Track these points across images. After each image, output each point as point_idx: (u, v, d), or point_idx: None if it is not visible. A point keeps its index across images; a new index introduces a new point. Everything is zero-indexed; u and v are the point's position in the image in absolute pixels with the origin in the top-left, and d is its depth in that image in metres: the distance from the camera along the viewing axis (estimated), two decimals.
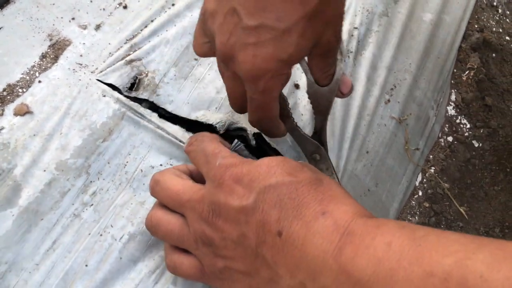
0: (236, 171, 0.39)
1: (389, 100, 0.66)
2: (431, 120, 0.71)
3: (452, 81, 0.77)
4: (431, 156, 0.70)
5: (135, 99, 0.54)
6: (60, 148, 0.50)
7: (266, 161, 0.39)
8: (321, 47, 0.40)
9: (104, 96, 0.53)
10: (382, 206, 0.62)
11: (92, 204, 0.48)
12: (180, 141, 0.52)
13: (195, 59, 0.59)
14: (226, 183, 0.39)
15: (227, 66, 0.41)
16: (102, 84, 0.54)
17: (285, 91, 0.58)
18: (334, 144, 0.59)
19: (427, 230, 0.33)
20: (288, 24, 0.36)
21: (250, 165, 0.39)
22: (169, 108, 0.55)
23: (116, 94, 0.53)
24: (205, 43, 0.43)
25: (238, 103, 0.45)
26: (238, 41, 0.38)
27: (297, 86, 0.60)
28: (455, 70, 0.78)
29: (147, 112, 0.53)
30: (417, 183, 0.67)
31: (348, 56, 0.66)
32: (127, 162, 0.51)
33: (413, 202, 0.66)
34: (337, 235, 0.34)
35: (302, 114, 0.59)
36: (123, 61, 0.56)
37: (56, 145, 0.50)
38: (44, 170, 0.48)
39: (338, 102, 0.62)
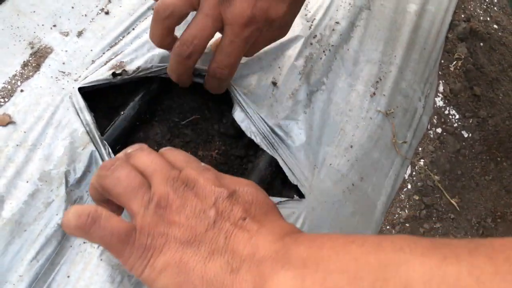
0: (219, 173, 0.42)
1: (374, 93, 0.66)
2: (418, 112, 0.70)
3: (440, 72, 0.77)
4: (420, 149, 0.70)
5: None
6: (43, 158, 0.50)
7: (245, 179, 0.42)
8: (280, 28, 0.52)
9: (78, 115, 0.53)
10: (368, 200, 0.62)
11: None
12: None
13: None
14: (207, 174, 0.40)
15: (218, 5, 0.46)
16: (81, 100, 0.54)
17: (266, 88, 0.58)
18: (312, 139, 0.59)
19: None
20: None
21: (233, 177, 0.42)
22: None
23: (87, 115, 0.53)
24: None
25: (196, 43, 0.49)
26: None
27: (274, 84, 0.60)
28: (442, 61, 0.78)
29: (106, 152, 0.52)
30: (406, 176, 0.67)
31: (329, 50, 0.66)
32: None
33: (402, 196, 0.66)
34: (285, 234, 0.36)
35: None
36: (106, 67, 0.56)
37: (40, 155, 0.50)
38: (27, 181, 0.49)
39: (317, 98, 0.62)
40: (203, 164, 0.43)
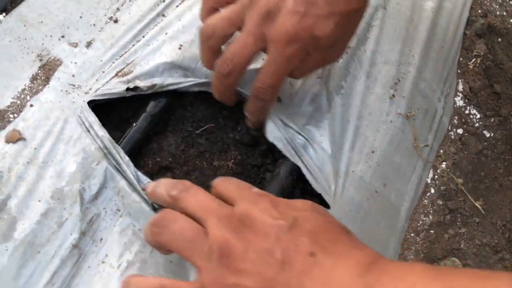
0: (272, 198, 0.41)
1: (393, 95, 0.64)
2: (438, 113, 0.68)
3: (459, 71, 0.74)
4: (441, 151, 0.67)
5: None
6: (55, 175, 0.48)
7: (301, 200, 0.41)
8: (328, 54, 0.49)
9: (89, 131, 0.51)
10: (391, 206, 0.60)
11: (89, 233, 0.47)
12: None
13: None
14: (262, 204, 0.39)
15: (261, 23, 0.45)
16: (92, 114, 0.52)
17: None
18: (333, 147, 0.57)
19: (462, 279, 0.32)
20: (333, 9, 0.44)
21: (287, 200, 0.41)
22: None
23: (100, 131, 0.51)
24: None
25: (236, 61, 0.47)
26: (287, 6, 0.44)
27: (279, 99, 0.58)
28: (461, 59, 0.75)
29: (124, 160, 0.50)
30: (428, 180, 0.65)
31: (347, 52, 0.64)
32: (122, 186, 0.49)
33: (426, 201, 0.63)
34: (364, 270, 0.34)
35: None
36: (117, 78, 0.55)
37: (51, 172, 0.48)
38: (40, 200, 0.47)
39: (336, 102, 0.60)
40: (255, 189, 0.42)
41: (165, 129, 0.57)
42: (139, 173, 0.50)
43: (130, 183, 0.49)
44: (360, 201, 0.57)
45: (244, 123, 0.59)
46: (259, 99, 0.50)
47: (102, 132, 0.51)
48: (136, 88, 0.53)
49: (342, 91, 0.61)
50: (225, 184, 0.43)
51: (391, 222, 0.60)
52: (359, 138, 0.60)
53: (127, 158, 0.50)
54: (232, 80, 0.49)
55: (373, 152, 0.60)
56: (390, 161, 0.61)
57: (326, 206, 0.55)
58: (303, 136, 0.56)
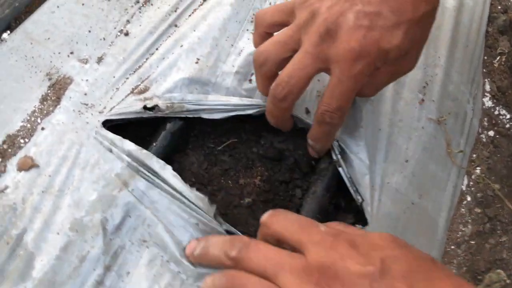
0: (349, 237, 0.35)
1: (423, 100, 0.60)
2: (468, 116, 0.65)
3: (484, 70, 0.71)
4: (474, 155, 0.64)
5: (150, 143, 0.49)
6: (73, 204, 0.44)
7: (377, 234, 0.36)
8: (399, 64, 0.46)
9: (111, 150, 0.48)
10: (429, 218, 0.57)
11: (114, 267, 0.43)
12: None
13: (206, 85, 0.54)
14: (341, 248, 0.34)
15: (320, 42, 0.42)
16: (109, 132, 0.48)
17: None
18: (366, 158, 0.53)
19: None
20: (399, 18, 0.41)
21: (361, 235, 0.36)
22: None
23: (126, 144, 0.47)
24: (280, 13, 0.47)
25: (292, 84, 0.44)
26: (347, 21, 0.41)
27: (307, 111, 0.54)
28: (485, 58, 0.72)
29: (159, 165, 0.47)
30: (463, 187, 0.61)
31: None
32: (148, 214, 0.46)
33: (463, 209, 0.60)
34: None
35: None
36: (133, 95, 0.51)
37: (68, 201, 0.45)
38: (58, 233, 0.43)
39: (367, 109, 0.56)
40: (322, 227, 0.37)
41: (185, 147, 0.53)
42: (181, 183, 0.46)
43: (173, 190, 0.46)
44: (397, 214, 0.53)
45: (267, 135, 0.55)
46: (325, 123, 0.46)
47: (128, 145, 0.47)
48: (154, 107, 0.50)
49: (372, 97, 0.57)
50: (282, 223, 0.38)
51: (430, 235, 0.56)
52: (392, 147, 0.56)
53: (162, 162, 0.47)
54: (288, 104, 0.46)
55: (407, 161, 0.56)
56: (424, 170, 0.57)
57: (364, 222, 0.51)
58: (340, 145, 0.52)
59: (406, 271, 0.32)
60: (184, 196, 0.46)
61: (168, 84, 0.52)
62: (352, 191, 0.50)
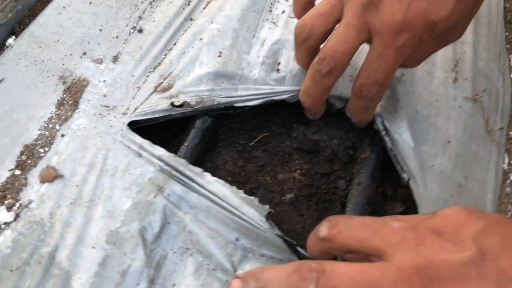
0: (428, 225, 0.31)
1: (456, 79, 0.57)
2: (500, 92, 0.62)
3: (507, 46, 0.68)
4: (510, 133, 0.61)
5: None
6: (106, 215, 0.40)
7: (448, 211, 0.31)
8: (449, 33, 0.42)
9: (140, 155, 0.44)
10: (477, 200, 0.53)
11: (159, 280, 0.39)
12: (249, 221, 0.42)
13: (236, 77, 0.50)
14: (428, 241, 0.30)
15: (363, 13, 0.39)
16: (137, 136, 0.45)
17: None
18: (410, 139, 0.50)
19: None
20: None
21: (434, 219, 0.31)
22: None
23: (156, 150, 0.44)
24: None
25: (338, 58, 0.41)
26: None
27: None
28: (506, 34, 0.69)
29: (196, 172, 0.43)
30: (505, 166, 0.58)
31: None
32: (187, 220, 0.42)
33: (508, 189, 0.57)
34: None
35: None
36: (156, 93, 0.47)
37: (101, 212, 0.41)
38: (94, 247, 0.39)
39: (400, 91, 0.53)
40: (395, 224, 0.31)
41: (216, 145, 0.49)
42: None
43: (213, 195, 0.42)
44: (445, 199, 0.50)
45: (298, 127, 0.52)
46: (361, 97, 0.43)
47: (159, 150, 0.43)
48: (183, 104, 0.46)
49: (404, 78, 0.54)
50: (347, 232, 0.32)
51: None
52: (430, 128, 0.53)
53: (199, 169, 0.43)
54: (332, 81, 0.42)
55: (448, 142, 0.53)
56: (467, 150, 0.54)
57: (414, 209, 0.47)
58: (384, 124, 0.49)
59: (500, 242, 0.28)
60: (226, 202, 0.42)
61: (193, 80, 0.48)
62: (398, 169, 0.47)
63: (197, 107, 0.46)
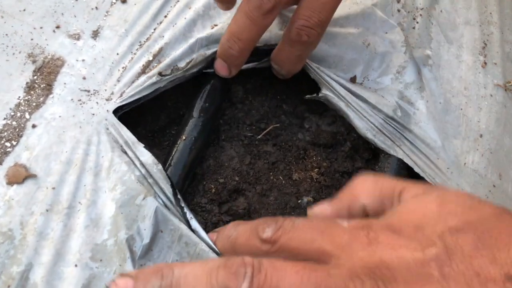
0: (384, 223, 0.26)
1: (485, 63, 0.51)
2: None
3: None
4: None
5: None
6: (91, 224, 0.32)
7: (413, 204, 0.27)
8: None
9: (126, 152, 0.36)
10: (510, 202, 0.47)
11: None
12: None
13: None
14: (382, 238, 0.25)
15: None
16: (124, 127, 0.37)
17: None
18: (437, 138, 0.44)
19: None
20: None
21: (392, 215, 0.27)
22: None
23: (140, 153, 0.36)
24: None
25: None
26: None
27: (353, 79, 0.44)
28: None
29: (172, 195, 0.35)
30: None
31: (420, 15, 0.50)
32: (184, 229, 0.34)
33: None
34: None
35: None
36: (144, 74, 0.39)
37: (84, 221, 0.32)
38: (76, 265, 0.31)
39: (426, 77, 0.47)
40: (344, 222, 0.26)
41: (218, 138, 0.42)
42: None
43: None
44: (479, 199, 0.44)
45: (310, 117, 0.45)
46: (300, 43, 0.38)
47: (144, 154, 0.35)
48: (172, 71, 0.38)
49: (430, 61, 0.47)
50: (292, 234, 0.27)
51: None
52: (461, 120, 0.46)
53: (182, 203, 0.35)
54: (272, 20, 0.37)
55: (481, 136, 0.46)
56: (501, 145, 0.48)
57: None
58: (397, 121, 0.42)
59: (474, 240, 0.24)
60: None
61: (184, 51, 0.41)
62: (424, 175, 0.41)
63: (188, 67, 0.39)
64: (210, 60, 0.41)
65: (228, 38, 0.38)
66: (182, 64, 0.40)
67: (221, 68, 0.40)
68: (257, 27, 0.37)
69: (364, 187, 0.30)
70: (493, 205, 0.26)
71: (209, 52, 0.40)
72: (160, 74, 0.38)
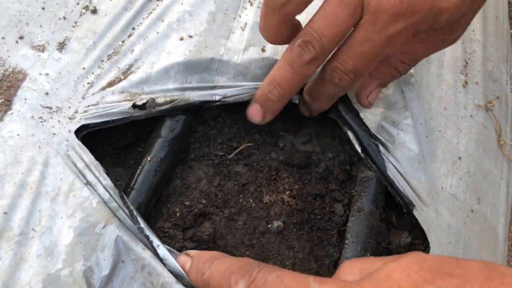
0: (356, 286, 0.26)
1: (466, 83, 0.49)
2: (510, 99, 0.55)
3: None
4: None
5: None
6: (44, 253, 0.31)
7: (395, 266, 0.25)
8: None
9: (86, 177, 0.34)
10: (489, 227, 0.46)
11: None
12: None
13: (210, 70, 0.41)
14: None
15: None
16: (86, 150, 0.35)
17: None
18: (412, 159, 0.42)
19: None
20: None
21: (368, 279, 0.26)
22: None
23: (103, 177, 0.34)
24: None
25: (325, 44, 0.33)
26: None
27: None
28: (511, 31, 0.62)
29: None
30: None
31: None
32: (148, 258, 0.32)
33: None
34: None
35: None
36: (111, 90, 0.37)
37: (37, 249, 0.31)
38: None
39: (407, 96, 0.45)
40: (316, 285, 0.26)
41: (187, 157, 0.40)
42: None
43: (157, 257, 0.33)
44: (457, 227, 0.43)
45: (285, 136, 0.43)
46: (332, 84, 0.36)
47: (105, 178, 0.33)
48: (146, 104, 0.36)
49: (412, 80, 0.46)
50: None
51: (492, 247, 0.46)
52: (440, 142, 0.45)
53: (142, 223, 0.33)
54: (313, 70, 0.35)
55: (460, 158, 0.45)
56: (480, 168, 0.46)
57: (424, 239, 0.40)
58: (380, 140, 0.41)
59: None
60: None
61: (158, 73, 0.39)
62: (399, 198, 0.40)
63: (166, 107, 0.37)
64: (191, 107, 0.39)
65: (269, 82, 0.37)
66: (158, 94, 0.38)
67: (255, 113, 0.39)
68: (299, 76, 0.36)
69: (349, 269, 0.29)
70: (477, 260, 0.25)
71: (191, 98, 0.38)
72: (134, 105, 0.36)
